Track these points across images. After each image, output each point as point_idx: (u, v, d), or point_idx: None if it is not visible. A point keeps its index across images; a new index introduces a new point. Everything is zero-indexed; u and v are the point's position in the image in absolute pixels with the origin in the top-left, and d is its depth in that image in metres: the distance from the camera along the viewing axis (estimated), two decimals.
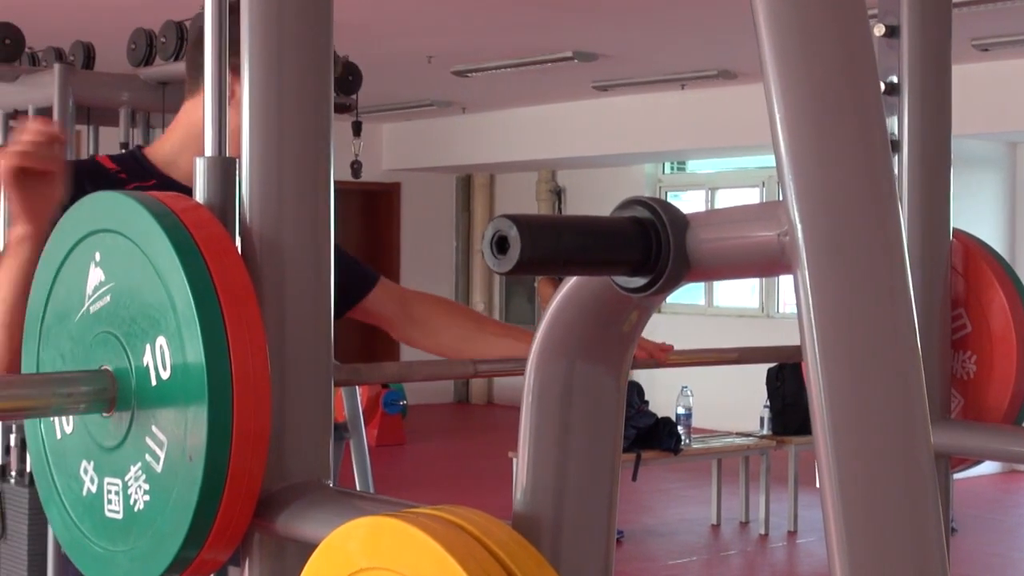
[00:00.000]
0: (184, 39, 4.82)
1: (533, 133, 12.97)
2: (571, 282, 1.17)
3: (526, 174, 14.55)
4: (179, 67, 4.67)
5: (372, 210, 14.93)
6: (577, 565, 1.23)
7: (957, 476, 8.05)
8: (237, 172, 1.53)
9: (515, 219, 1.00)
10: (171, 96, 4.87)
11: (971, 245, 2.36)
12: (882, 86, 2.28)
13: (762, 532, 8.33)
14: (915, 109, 2.27)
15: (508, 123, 13.18)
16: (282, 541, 1.48)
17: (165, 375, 1.44)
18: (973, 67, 9.38)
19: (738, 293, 13.07)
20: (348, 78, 5.64)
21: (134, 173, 2.27)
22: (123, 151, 2.18)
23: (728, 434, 8.66)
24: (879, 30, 2.29)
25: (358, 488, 7.33)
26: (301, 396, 1.51)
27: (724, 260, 1.08)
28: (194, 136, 2.15)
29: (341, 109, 5.90)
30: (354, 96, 5.73)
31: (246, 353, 1.40)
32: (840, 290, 0.97)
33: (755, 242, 1.03)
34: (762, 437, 8.52)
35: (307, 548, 1.25)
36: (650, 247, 1.06)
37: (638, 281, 1.08)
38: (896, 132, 2.28)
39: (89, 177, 2.14)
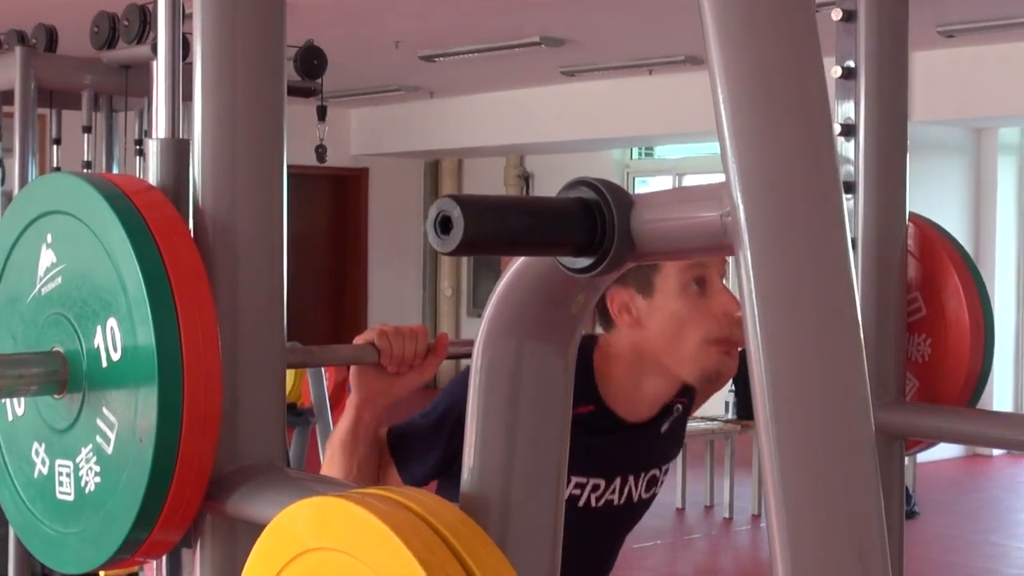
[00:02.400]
0: (147, 23, 4.79)
1: (501, 118, 12.97)
2: (518, 262, 1.18)
3: (494, 159, 14.55)
4: (142, 50, 4.65)
5: (340, 195, 14.90)
6: (525, 545, 1.24)
7: (920, 460, 8.07)
8: (190, 154, 1.53)
9: (459, 199, 1.00)
10: (134, 79, 4.84)
11: (927, 229, 2.37)
12: (839, 71, 2.29)
13: (726, 516, 8.37)
14: (872, 94, 2.28)
15: (476, 108, 13.17)
16: (233, 523, 1.48)
17: (116, 357, 1.43)
18: (938, 53, 9.42)
19: None
20: (313, 62, 5.62)
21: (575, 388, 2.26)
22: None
23: (693, 418, 8.69)
24: (836, 14, 2.30)
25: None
26: (253, 378, 1.50)
27: (668, 240, 1.08)
28: (640, 357, 2.15)
29: (306, 93, 5.88)
30: (319, 80, 5.71)
31: (197, 335, 1.40)
32: (781, 270, 0.98)
33: (698, 222, 1.04)
34: (727, 421, 8.56)
35: (258, 529, 1.25)
36: (595, 228, 1.06)
37: (583, 262, 1.09)
38: (853, 117, 2.29)
39: None
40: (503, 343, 1.21)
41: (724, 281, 2.15)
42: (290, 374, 8.15)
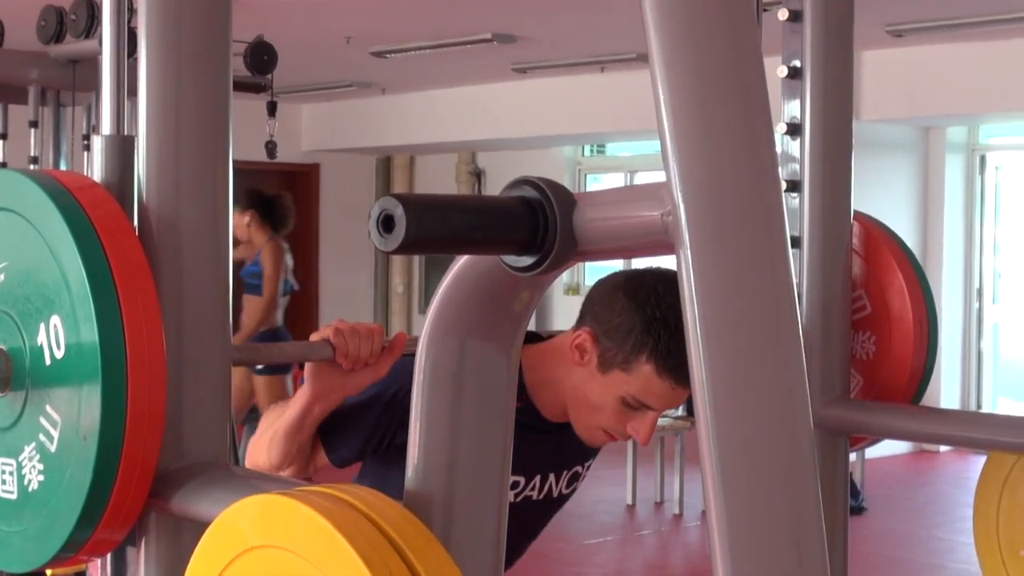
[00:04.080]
0: (95, 17, 4.76)
1: (453, 115, 12.94)
2: (462, 261, 1.18)
3: (446, 156, 14.52)
4: (90, 45, 4.61)
5: (290, 191, 14.80)
6: (468, 542, 1.24)
7: (868, 456, 8.08)
8: (135, 151, 1.52)
9: (401, 198, 1.00)
10: (81, 74, 4.81)
11: (871, 228, 2.40)
12: (785, 70, 2.31)
13: (676, 512, 8.40)
14: (817, 93, 2.30)
15: (428, 105, 13.14)
16: (179, 520, 1.48)
17: (59, 354, 1.43)
18: (887, 52, 9.49)
19: None
20: (263, 57, 5.60)
21: None
22: None
23: None
24: (782, 14, 2.32)
25: None
26: (198, 376, 1.50)
27: (610, 239, 1.09)
28: (563, 380, 2.15)
29: (256, 89, 5.86)
30: (269, 76, 5.69)
31: (141, 332, 1.40)
32: (720, 269, 0.99)
33: (639, 221, 1.04)
34: (677, 418, 8.59)
35: (203, 527, 1.25)
36: (537, 226, 1.07)
37: (526, 260, 1.09)
38: (799, 116, 2.31)
39: None
40: (447, 341, 1.21)
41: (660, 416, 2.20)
42: (239, 372, 8.11)
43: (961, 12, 8.27)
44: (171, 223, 1.49)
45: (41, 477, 1.46)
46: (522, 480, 2.22)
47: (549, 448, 2.24)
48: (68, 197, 1.44)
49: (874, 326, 2.36)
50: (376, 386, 2.13)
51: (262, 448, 2.10)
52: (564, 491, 2.32)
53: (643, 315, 2.06)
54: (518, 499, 2.22)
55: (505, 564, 2.30)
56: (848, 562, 2.33)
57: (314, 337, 1.97)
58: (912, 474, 9.93)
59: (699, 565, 7.49)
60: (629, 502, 8.57)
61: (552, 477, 2.27)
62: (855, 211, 2.35)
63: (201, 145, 1.50)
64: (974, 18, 8.31)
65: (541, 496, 2.27)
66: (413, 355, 2.15)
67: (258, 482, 1.46)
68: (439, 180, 14.49)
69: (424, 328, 1.22)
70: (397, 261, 15.15)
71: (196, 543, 1.25)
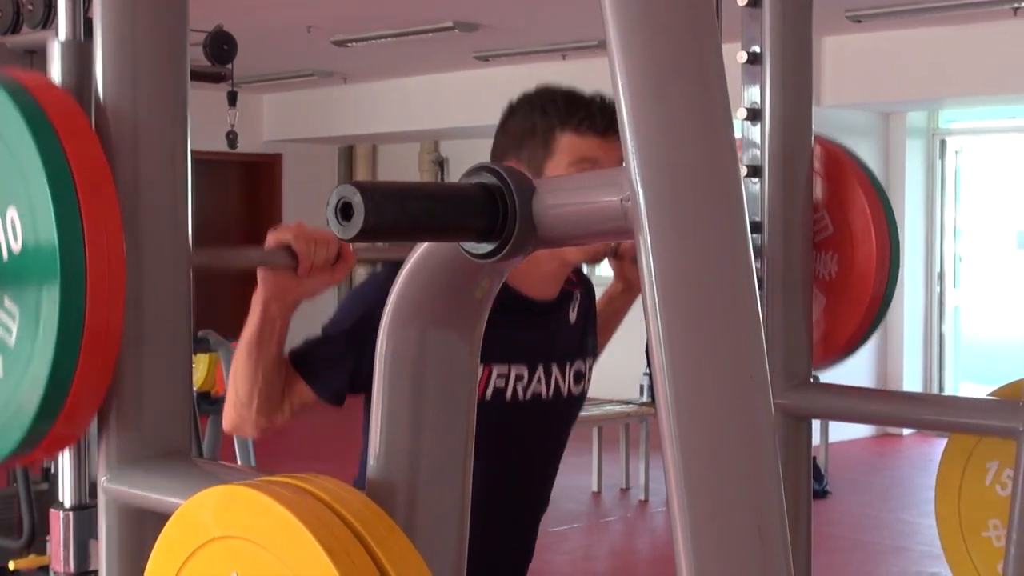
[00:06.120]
0: (52, 7, 4.72)
1: (415, 103, 12.92)
2: (421, 248, 1.18)
3: (409, 145, 14.50)
4: (47, 35, 4.57)
5: (252, 181, 14.77)
6: (431, 531, 1.24)
7: (832, 440, 8.11)
8: (92, 55, 1.51)
9: (359, 185, 1.00)
10: (39, 65, 4.77)
11: (832, 148, 2.41)
12: (745, 56, 2.31)
13: (642, 498, 8.43)
14: (776, 78, 2.30)
15: (390, 93, 13.11)
16: (140, 512, 1.47)
17: (16, 248, 1.42)
18: (847, 38, 9.53)
19: None
20: (223, 47, 5.58)
21: None
22: None
23: (608, 401, 8.74)
24: (742, 0, 2.32)
25: (239, 462, 7.29)
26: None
27: (569, 226, 1.09)
28: None
29: (216, 79, 5.84)
30: (229, 66, 5.67)
31: (99, 222, 1.39)
32: (680, 255, 0.99)
33: (599, 207, 1.04)
34: (641, 404, 8.62)
35: (164, 519, 1.25)
36: (497, 213, 1.07)
37: (486, 247, 1.09)
38: (759, 102, 2.31)
39: None
40: (407, 329, 1.21)
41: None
42: (204, 362, 8.07)
43: None
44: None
45: (0, 372, 1.45)
46: (525, 371, 2.23)
47: (542, 335, 2.26)
48: (26, 95, 1.43)
49: (836, 245, 2.38)
50: (356, 308, 2.12)
51: (231, 385, 2.08)
52: (573, 390, 2.34)
53: (531, 107, 2.21)
54: (527, 395, 2.24)
55: (537, 466, 2.32)
56: (812, 545, 2.34)
57: (271, 239, 1.95)
58: (876, 457, 9.99)
59: (665, 551, 7.52)
60: (595, 489, 8.59)
61: (556, 370, 2.29)
62: (815, 135, 2.36)
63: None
64: (934, 3, 8.35)
65: (551, 393, 2.28)
66: (388, 266, 2.16)
67: (220, 472, 1.45)
68: (402, 169, 14.46)
69: (384, 316, 1.22)
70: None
71: (157, 535, 1.24)
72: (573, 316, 2.36)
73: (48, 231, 1.37)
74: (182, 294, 1.52)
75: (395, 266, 2.32)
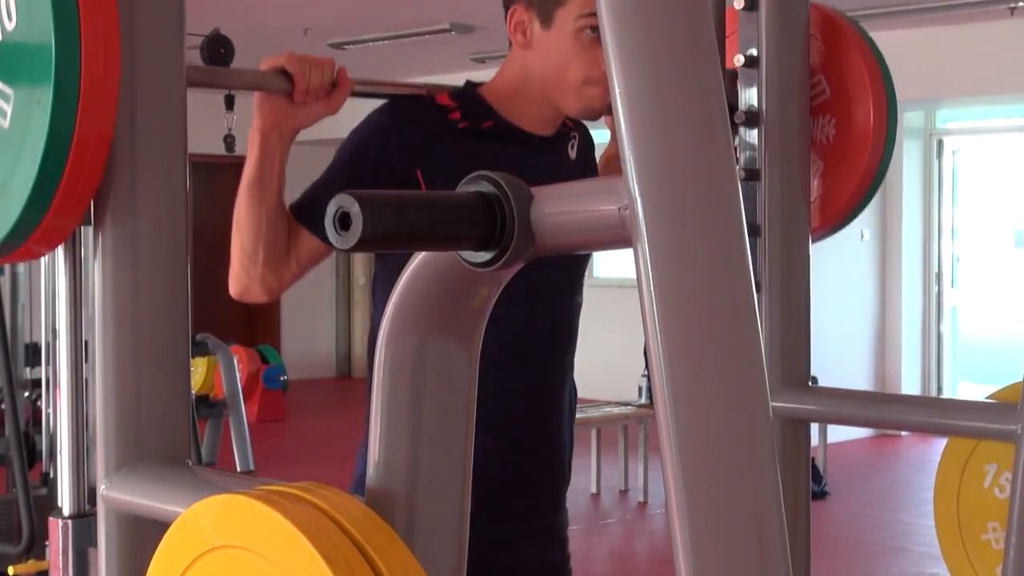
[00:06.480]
0: None
1: None
2: (419, 257, 1.18)
3: None
4: None
5: None
6: (431, 540, 1.24)
7: (831, 440, 8.10)
8: None
9: (357, 195, 1.00)
10: None
11: (827, 12, 2.41)
12: (742, 59, 2.31)
13: (641, 500, 8.42)
14: (774, 81, 2.30)
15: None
16: (139, 520, 1.47)
17: (10, 26, 1.40)
18: None
19: (620, 263, 13.14)
20: (220, 51, 5.57)
21: (470, 112, 2.26)
22: (458, 88, 2.25)
23: (607, 403, 8.74)
24: (739, 3, 2.32)
25: (238, 465, 7.29)
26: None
27: (567, 233, 1.09)
28: (526, 78, 2.23)
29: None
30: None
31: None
32: (678, 264, 0.99)
33: (597, 216, 1.04)
34: (640, 406, 8.61)
35: (164, 527, 1.25)
36: (495, 221, 1.07)
37: (484, 255, 1.09)
38: (756, 105, 2.32)
39: (426, 112, 2.23)
40: (406, 338, 1.21)
41: None
42: (202, 365, 8.08)
43: None
44: None
45: None
46: None
47: (540, 164, 2.23)
48: None
49: (833, 109, 2.38)
50: (349, 146, 2.19)
51: (235, 241, 2.07)
52: None
53: None
54: None
55: (560, 300, 2.26)
56: (811, 545, 2.34)
57: (265, 64, 1.93)
58: (875, 458, 9.99)
59: (664, 553, 7.52)
60: (594, 491, 8.58)
61: None
62: (812, 1, 2.36)
63: (158, 137, 1.49)
64: (930, 3, 8.35)
65: None
66: (383, 106, 2.17)
67: (219, 480, 1.45)
68: None
69: (382, 325, 1.21)
70: (359, 253, 15.10)
71: (157, 543, 1.24)
72: (573, 154, 2.37)
73: (43, 6, 1.35)
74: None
75: (390, 104, 2.33)
